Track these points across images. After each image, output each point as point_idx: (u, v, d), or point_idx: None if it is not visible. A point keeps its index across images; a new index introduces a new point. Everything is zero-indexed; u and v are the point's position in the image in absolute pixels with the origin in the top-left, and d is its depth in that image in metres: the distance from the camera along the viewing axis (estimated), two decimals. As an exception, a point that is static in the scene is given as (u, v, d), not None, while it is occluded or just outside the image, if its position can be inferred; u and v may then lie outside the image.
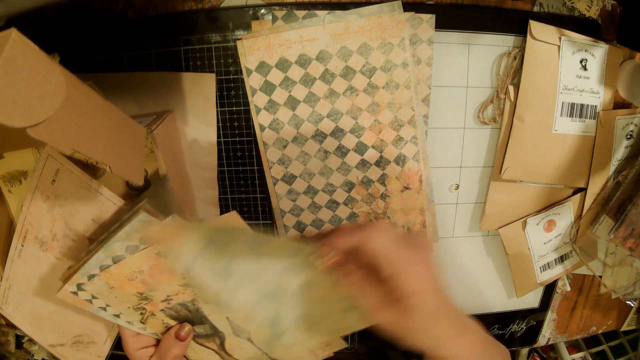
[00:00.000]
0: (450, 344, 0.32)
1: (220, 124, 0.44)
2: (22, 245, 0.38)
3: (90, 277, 0.33)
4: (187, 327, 0.37)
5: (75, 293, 0.34)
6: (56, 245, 0.39)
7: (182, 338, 0.37)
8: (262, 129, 0.44)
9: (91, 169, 0.40)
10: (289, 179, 0.45)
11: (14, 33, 0.20)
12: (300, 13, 0.41)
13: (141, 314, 0.37)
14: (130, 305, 0.36)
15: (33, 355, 0.51)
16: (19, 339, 0.51)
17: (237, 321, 0.37)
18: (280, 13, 0.41)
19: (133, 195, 0.44)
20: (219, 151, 0.45)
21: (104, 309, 0.36)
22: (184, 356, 0.40)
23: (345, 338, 0.55)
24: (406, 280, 0.27)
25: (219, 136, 0.45)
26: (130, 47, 0.42)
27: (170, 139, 0.42)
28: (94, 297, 0.35)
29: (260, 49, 0.41)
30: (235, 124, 0.44)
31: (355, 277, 0.29)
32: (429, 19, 0.42)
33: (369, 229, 0.28)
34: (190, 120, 0.44)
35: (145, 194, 0.36)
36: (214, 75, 0.43)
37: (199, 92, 0.43)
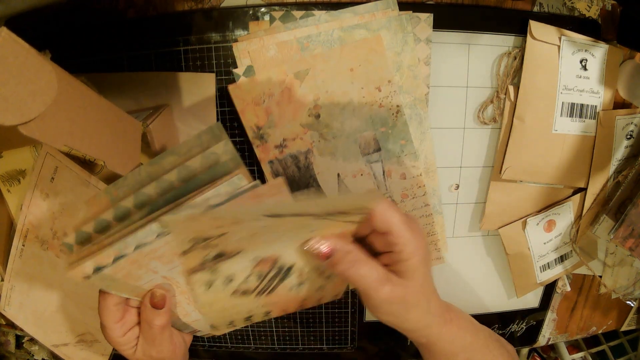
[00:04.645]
0: (439, 328, 0.33)
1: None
2: (24, 245, 0.38)
3: (117, 259, 0.25)
4: (159, 292, 0.32)
5: (88, 277, 0.26)
6: (57, 243, 0.39)
7: (159, 306, 0.32)
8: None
9: (89, 165, 0.40)
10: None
11: (3, 32, 0.20)
12: (298, 13, 0.41)
13: None
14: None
15: (33, 355, 0.51)
16: (19, 338, 0.51)
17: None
18: (278, 13, 0.41)
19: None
20: (219, 151, 0.45)
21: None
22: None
23: (346, 337, 0.55)
24: (408, 242, 0.30)
25: (218, 136, 0.45)
26: (130, 47, 0.42)
27: (167, 134, 0.41)
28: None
29: (253, 51, 0.41)
30: (235, 123, 0.44)
31: (354, 255, 0.30)
32: (426, 17, 0.42)
33: (383, 199, 0.30)
34: (190, 120, 0.44)
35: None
36: (213, 75, 0.43)
37: (199, 92, 0.43)
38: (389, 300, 0.30)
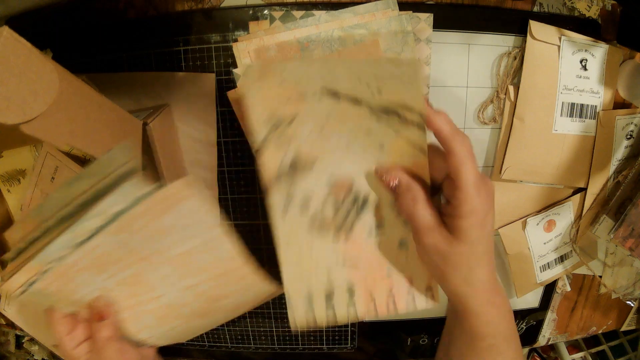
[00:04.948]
0: (480, 306, 0.31)
1: (220, 124, 0.44)
2: (23, 245, 0.38)
3: (43, 272, 0.27)
4: (100, 302, 0.32)
5: (22, 292, 0.28)
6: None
7: (102, 316, 0.32)
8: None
9: (89, 165, 0.40)
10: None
11: (5, 31, 0.21)
12: (298, 13, 0.41)
13: None
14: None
15: (33, 355, 0.51)
16: (19, 338, 0.51)
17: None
18: (278, 13, 0.41)
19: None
20: (219, 151, 0.45)
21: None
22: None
23: (346, 337, 0.55)
24: (468, 200, 0.28)
25: (218, 136, 0.45)
26: (130, 47, 0.42)
27: (167, 134, 0.41)
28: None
29: (253, 51, 0.41)
30: (235, 124, 0.44)
31: (416, 193, 0.30)
32: (426, 18, 0.42)
33: (465, 138, 0.29)
34: (190, 120, 0.44)
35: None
36: (213, 75, 0.43)
37: (199, 92, 0.43)
38: (432, 250, 0.30)
